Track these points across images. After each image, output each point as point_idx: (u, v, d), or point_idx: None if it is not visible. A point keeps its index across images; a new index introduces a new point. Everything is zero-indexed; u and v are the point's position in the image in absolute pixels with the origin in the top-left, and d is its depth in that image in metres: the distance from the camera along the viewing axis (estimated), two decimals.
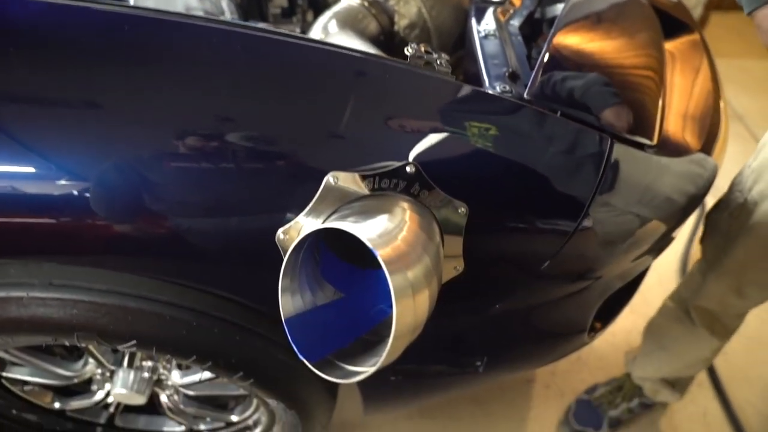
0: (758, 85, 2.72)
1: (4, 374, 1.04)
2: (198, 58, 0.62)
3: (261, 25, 1.05)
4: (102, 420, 1.21)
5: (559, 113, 0.72)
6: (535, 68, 0.77)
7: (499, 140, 0.68)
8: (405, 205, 0.63)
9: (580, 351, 1.72)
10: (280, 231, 0.63)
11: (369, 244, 0.51)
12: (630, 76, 0.89)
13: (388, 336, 0.52)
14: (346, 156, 0.64)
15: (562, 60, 0.81)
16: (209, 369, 0.86)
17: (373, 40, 1.10)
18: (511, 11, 1.02)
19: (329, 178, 0.61)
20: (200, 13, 1.04)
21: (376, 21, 1.13)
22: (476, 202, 0.67)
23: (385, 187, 0.63)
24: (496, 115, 0.69)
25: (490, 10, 1.02)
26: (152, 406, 1.19)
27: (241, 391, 1.06)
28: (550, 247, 0.73)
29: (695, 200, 0.85)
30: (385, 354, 0.52)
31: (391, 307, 0.51)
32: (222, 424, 1.21)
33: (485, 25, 0.95)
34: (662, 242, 0.89)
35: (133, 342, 0.80)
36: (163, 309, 0.78)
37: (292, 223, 0.63)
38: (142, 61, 0.62)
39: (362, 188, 0.62)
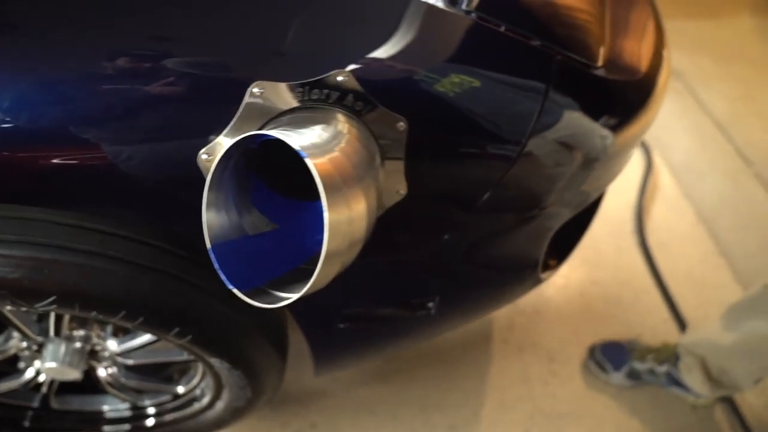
0: (694, 44, 2.77)
1: None
2: None
3: None
4: (35, 403, 1.12)
5: (503, 29, 0.68)
6: None
7: (439, 55, 0.64)
8: (340, 117, 0.58)
9: (535, 304, 1.74)
10: (201, 152, 0.58)
11: (300, 152, 0.46)
12: None
13: None
14: (276, 69, 0.58)
15: None
16: (141, 326, 0.80)
17: None
18: None
19: (253, 89, 0.55)
20: None
21: None
22: (414, 120, 0.62)
23: (316, 98, 0.58)
24: (437, 29, 0.64)
25: None
26: (90, 384, 1.12)
27: (183, 356, 0.99)
28: (493, 173, 0.70)
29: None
30: (315, 274, 0.47)
31: None
32: (168, 398, 1.14)
33: None
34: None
35: (52, 299, 0.72)
36: (83, 259, 0.71)
37: (213, 142, 0.57)
38: None
39: (291, 100, 0.57)
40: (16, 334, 0.96)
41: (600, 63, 0.80)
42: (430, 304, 0.86)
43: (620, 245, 1.99)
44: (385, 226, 0.72)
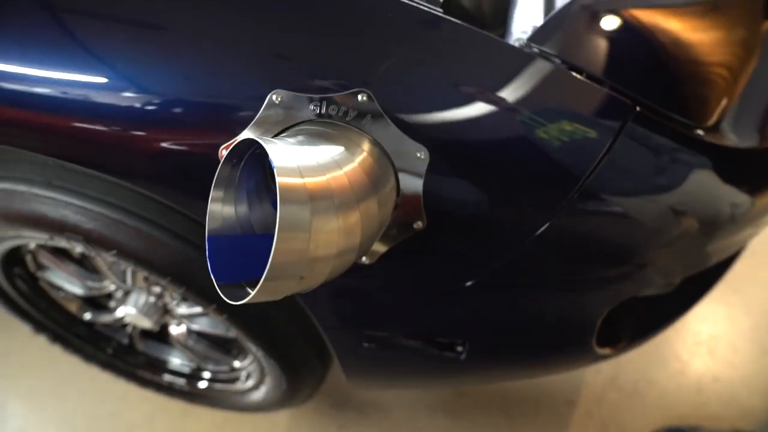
0: None
1: (40, 275, 1.13)
2: None
3: None
4: (125, 340, 1.28)
5: (564, 66, 0.62)
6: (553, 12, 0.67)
7: (482, 82, 0.60)
8: (354, 137, 0.58)
9: (636, 382, 1.55)
10: (222, 147, 0.61)
11: (272, 163, 0.47)
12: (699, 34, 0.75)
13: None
14: (297, 78, 0.59)
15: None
16: (184, 294, 0.87)
17: None
18: None
19: (272, 96, 0.57)
20: None
21: None
22: (442, 149, 0.60)
23: (333, 114, 0.58)
24: (485, 56, 0.61)
25: None
26: (165, 337, 1.25)
27: (232, 333, 1.06)
28: (527, 222, 0.64)
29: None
30: (255, 289, 0.48)
31: None
32: (225, 369, 1.23)
33: None
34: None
35: (114, 251, 0.82)
36: (142, 225, 0.79)
37: (233, 140, 0.60)
38: None
39: (307, 112, 0.58)
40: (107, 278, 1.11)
41: (706, 124, 0.69)
42: (460, 348, 0.81)
43: (766, 345, 1.68)
44: (410, 258, 0.70)
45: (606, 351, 0.85)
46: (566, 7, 0.66)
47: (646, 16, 0.73)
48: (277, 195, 0.45)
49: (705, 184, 0.68)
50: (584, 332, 0.78)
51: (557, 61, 0.62)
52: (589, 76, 0.62)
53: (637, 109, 0.62)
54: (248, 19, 0.60)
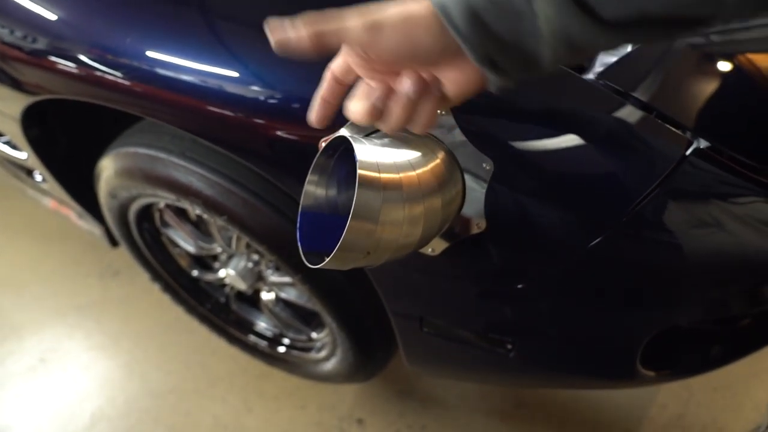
0: None
1: (163, 231, 1.33)
2: None
3: None
4: (222, 299, 1.47)
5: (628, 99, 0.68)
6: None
7: (551, 107, 0.68)
8: (430, 144, 0.68)
9: (704, 426, 1.50)
10: (321, 140, 0.73)
11: (357, 159, 0.57)
12: None
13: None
14: None
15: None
16: (277, 262, 1.01)
17: None
18: None
19: None
20: None
21: None
22: (507, 161, 0.68)
23: None
24: (558, 86, 0.68)
25: None
26: (256, 303, 1.41)
27: (311, 305, 1.19)
28: (579, 235, 0.70)
29: None
30: (330, 256, 0.58)
31: None
32: (304, 338, 1.37)
33: None
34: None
35: (225, 217, 0.98)
36: (249, 195, 0.94)
37: (331, 135, 0.72)
38: None
39: None
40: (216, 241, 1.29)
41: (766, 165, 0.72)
42: (509, 346, 0.89)
43: None
44: (468, 255, 0.78)
45: (650, 373, 0.88)
46: (637, 49, 0.72)
47: (719, 60, 0.77)
48: (356, 182, 0.56)
49: (760, 224, 0.71)
50: (628, 350, 0.82)
51: (627, 97, 0.68)
52: (658, 114, 0.68)
53: (700, 145, 0.67)
54: None
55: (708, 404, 1.54)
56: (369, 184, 0.57)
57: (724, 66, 0.78)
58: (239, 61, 0.76)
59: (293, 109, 0.75)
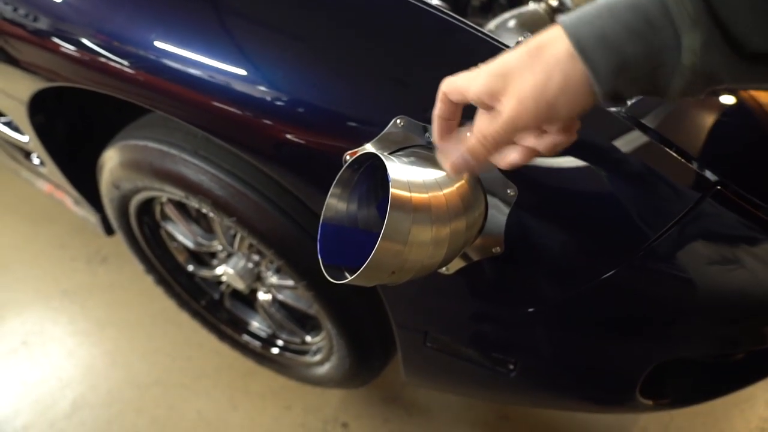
0: None
1: (162, 224, 1.32)
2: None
3: None
4: (216, 295, 1.46)
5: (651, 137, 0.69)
6: None
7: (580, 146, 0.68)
8: None
9: None
10: (347, 153, 0.73)
11: (389, 178, 0.57)
12: None
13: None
14: (418, 108, 0.70)
15: None
16: (283, 266, 1.00)
17: None
18: None
19: (396, 120, 0.69)
20: None
21: None
22: (530, 188, 0.69)
23: None
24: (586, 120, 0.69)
25: None
26: (251, 302, 1.40)
27: (311, 310, 1.19)
28: (594, 267, 0.72)
29: None
30: (356, 274, 0.58)
31: None
32: (297, 341, 1.36)
33: None
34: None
35: (235, 218, 0.97)
36: (262, 200, 0.93)
37: (358, 150, 0.72)
38: None
39: (420, 137, 0.69)
40: (217, 238, 1.27)
41: None
42: (511, 366, 0.90)
43: None
44: (482, 276, 0.79)
45: (648, 402, 0.90)
46: None
47: (748, 101, 0.78)
48: (389, 202, 0.56)
49: None
50: (629, 379, 0.84)
51: (650, 131, 0.69)
52: (678, 151, 0.69)
53: (718, 187, 0.68)
54: (381, 48, 0.71)
55: (688, 429, 1.58)
56: (401, 204, 0.57)
57: (743, 106, 0.79)
58: (248, 60, 0.75)
59: (303, 115, 0.74)
